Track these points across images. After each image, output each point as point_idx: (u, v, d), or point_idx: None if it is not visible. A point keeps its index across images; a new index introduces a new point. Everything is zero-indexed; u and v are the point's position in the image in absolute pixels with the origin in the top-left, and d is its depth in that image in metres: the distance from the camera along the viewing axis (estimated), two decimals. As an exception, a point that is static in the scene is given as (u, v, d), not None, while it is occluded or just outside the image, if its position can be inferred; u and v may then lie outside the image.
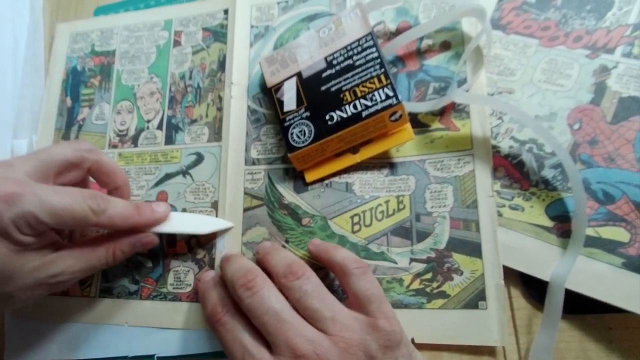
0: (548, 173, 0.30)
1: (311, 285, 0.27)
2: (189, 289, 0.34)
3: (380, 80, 0.31)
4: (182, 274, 0.35)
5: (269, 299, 0.26)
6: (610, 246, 0.29)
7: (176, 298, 0.34)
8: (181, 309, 0.34)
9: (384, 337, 0.25)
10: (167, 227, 0.32)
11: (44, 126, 0.42)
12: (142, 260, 0.36)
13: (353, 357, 0.24)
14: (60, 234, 0.32)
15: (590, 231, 0.29)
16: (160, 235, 0.35)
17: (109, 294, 0.36)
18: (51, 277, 0.28)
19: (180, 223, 0.32)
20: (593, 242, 0.29)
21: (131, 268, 0.36)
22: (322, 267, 0.31)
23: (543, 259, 0.29)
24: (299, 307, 0.26)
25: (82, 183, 0.33)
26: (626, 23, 0.31)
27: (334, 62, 0.33)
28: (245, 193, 0.35)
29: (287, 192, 0.34)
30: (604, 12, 0.32)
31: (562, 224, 0.30)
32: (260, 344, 0.26)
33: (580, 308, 0.29)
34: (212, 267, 0.34)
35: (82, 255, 0.29)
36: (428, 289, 0.30)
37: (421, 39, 0.35)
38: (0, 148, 0.41)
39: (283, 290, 0.27)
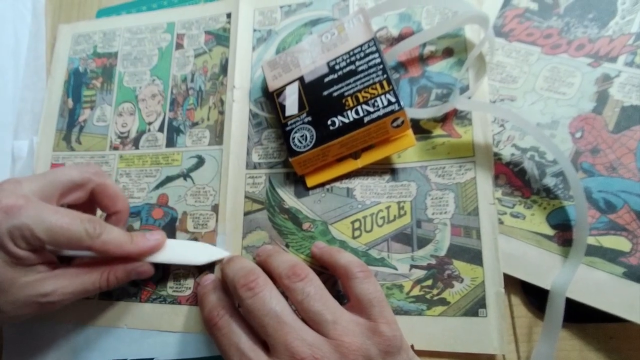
0: (549, 181, 0.30)
1: (314, 287, 0.27)
2: (188, 292, 0.34)
3: (382, 86, 0.31)
4: (182, 277, 0.34)
5: (270, 301, 0.26)
6: (611, 255, 0.28)
7: (176, 301, 0.34)
8: (180, 312, 0.34)
9: (385, 342, 0.25)
10: (161, 257, 0.31)
11: (45, 127, 0.42)
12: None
13: None
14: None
15: (591, 240, 0.29)
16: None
17: (109, 297, 0.35)
18: (42, 296, 0.27)
19: (176, 253, 0.32)
20: (594, 251, 0.29)
21: (131, 271, 0.36)
22: (321, 272, 0.31)
23: (544, 267, 0.29)
24: (300, 309, 0.26)
25: (85, 205, 0.33)
26: (629, 32, 0.31)
27: (337, 67, 0.33)
28: (246, 197, 0.35)
29: (288, 197, 0.34)
30: (606, 21, 0.32)
31: (563, 232, 0.30)
32: (258, 346, 0.26)
33: (581, 317, 0.29)
34: (212, 270, 0.34)
35: (76, 276, 0.29)
36: (428, 296, 0.30)
37: (424, 45, 0.35)
38: (1, 149, 0.41)
39: (285, 291, 0.27)
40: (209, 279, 0.32)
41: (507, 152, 0.31)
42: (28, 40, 0.44)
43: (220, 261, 0.33)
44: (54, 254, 0.30)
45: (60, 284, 0.28)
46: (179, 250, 0.32)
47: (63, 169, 0.31)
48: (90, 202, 0.33)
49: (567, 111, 0.31)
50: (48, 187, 0.29)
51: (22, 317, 0.29)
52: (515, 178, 0.31)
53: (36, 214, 0.26)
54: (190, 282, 0.34)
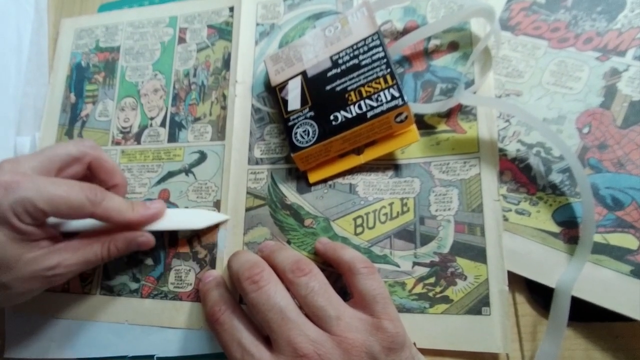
0: (556, 177, 0.30)
1: (318, 282, 0.27)
2: (189, 288, 0.34)
3: (386, 81, 0.30)
4: (184, 273, 0.34)
5: (274, 295, 0.26)
6: (618, 253, 0.28)
7: (177, 297, 0.34)
8: (182, 308, 0.34)
9: (388, 338, 0.25)
10: (162, 225, 0.32)
11: (48, 122, 0.42)
12: (143, 258, 0.35)
13: (356, 359, 0.24)
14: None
15: (598, 237, 0.28)
16: (162, 234, 0.35)
17: (110, 292, 0.35)
18: (48, 270, 0.28)
19: (176, 219, 0.32)
20: (601, 249, 0.28)
21: (132, 266, 0.35)
22: (324, 269, 0.31)
23: (549, 265, 0.29)
24: (304, 304, 0.26)
25: (83, 180, 0.33)
26: (638, 25, 0.30)
27: (340, 61, 0.32)
28: (248, 193, 0.35)
29: (290, 193, 0.34)
30: (615, 14, 0.31)
31: (569, 229, 0.29)
32: (260, 342, 0.26)
33: (587, 316, 0.28)
34: (213, 266, 0.34)
35: (78, 248, 0.29)
36: (431, 294, 0.30)
37: (429, 39, 0.34)
38: (4, 145, 0.40)
39: (289, 286, 0.27)
40: (211, 275, 0.32)
41: (512, 148, 0.31)
42: (31, 36, 0.44)
43: (222, 223, 0.34)
44: (58, 230, 0.30)
45: (64, 256, 0.28)
46: (179, 217, 0.33)
47: (60, 144, 0.31)
48: (88, 177, 0.33)
49: (574, 106, 0.30)
50: (46, 163, 0.30)
51: (30, 292, 0.29)
52: (521, 174, 0.30)
53: (35, 186, 0.26)
54: (191, 278, 0.34)
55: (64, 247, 0.29)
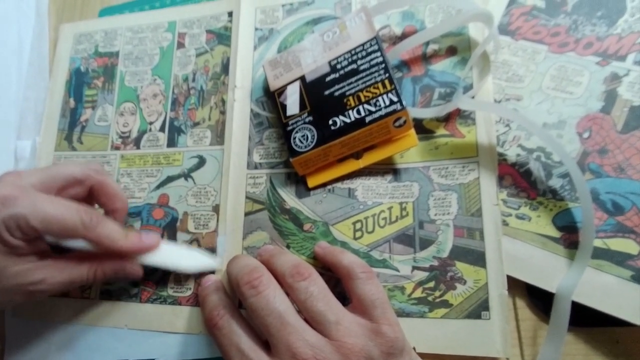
0: (556, 182, 0.30)
1: (317, 287, 0.27)
2: (189, 292, 0.34)
3: (384, 86, 0.30)
4: (183, 277, 0.34)
5: (274, 300, 0.26)
6: (618, 258, 0.28)
7: (176, 302, 0.34)
8: (181, 313, 0.34)
9: (387, 343, 0.25)
10: (153, 259, 0.31)
11: (47, 127, 0.42)
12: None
13: None
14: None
15: (598, 242, 0.28)
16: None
17: (109, 296, 0.35)
18: (31, 284, 0.28)
19: (169, 258, 0.32)
20: (601, 254, 0.28)
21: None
22: (323, 273, 0.31)
23: (550, 270, 0.29)
24: (303, 309, 0.26)
25: (84, 202, 0.33)
26: (638, 30, 0.30)
27: (338, 66, 0.32)
28: (247, 197, 0.35)
29: (289, 197, 0.34)
30: (615, 19, 0.31)
31: (569, 234, 0.29)
32: (259, 347, 0.26)
33: (587, 321, 0.28)
34: (212, 270, 0.34)
35: (65, 267, 0.29)
36: (430, 298, 0.30)
37: (427, 43, 0.34)
38: (4, 149, 0.41)
39: (288, 290, 0.27)
40: (210, 279, 0.32)
41: (512, 153, 0.31)
42: (31, 40, 0.44)
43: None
44: (51, 245, 0.30)
45: (49, 273, 0.28)
46: (172, 256, 0.32)
47: (64, 164, 0.32)
48: (89, 199, 0.33)
49: (574, 111, 0.30)
50: (47, 180, 0.30)
51: (9, 303, 0.30)
52: (521, 179, 0.30)
53: (31, 203, 0.27)
54: (190, 283, 0.34)
55: (51, 264, 0.29)
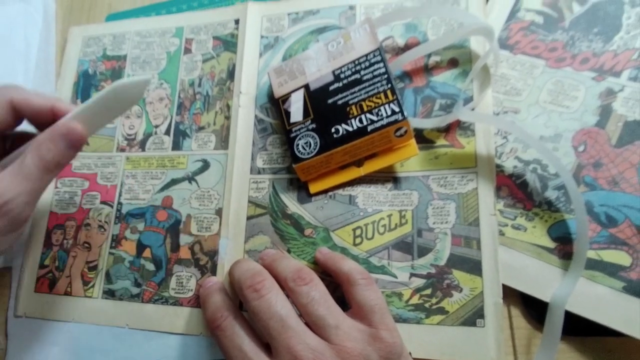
0: (551, 194, 0.30)
1: (318, 292, 0.27)
2: (190, 294, 0.34)
3: (386, 96, 0.31)
4: (185, 279, 0.35)
5: (275, 304, 0.27)
6: (611, 269, 0.29)
7: (177, 303, 0.34)
8: (182, 313, 0.34)
9: (385, 348, 0.26)
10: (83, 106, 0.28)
11: (54, 128, 0.42)
12: (145, 263, 0.36)
13: None
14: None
15: (591, 254, 0.29)
16: (164, 241, 0.36)
17: (112, 296, 0.36)
18: None
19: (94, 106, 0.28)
20: (594, 265, 0.29)
21: (134, 271, 0.36)
22: (324, 278, 0.32)
23: (544, 279, 0.29)
24: (304, 313, 0.27)
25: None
26: (634, 47, 0.31)
27: (342, 75, 0.33)
28: (250, 201, 0.35)
29: (291, 202, 0.35)
30: (611, 35, 0.32)
31: (564, 245, 0.30)
32: (260, 349, 0.27)
33: (580, 330, 0.29)
34: (214, 273, 0.34)
35: (13, 170, 0.27)
36: (427, 305, 0.31)
37: (429, 55, 0.35)
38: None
39: (290, 294, 0.28)
40: (211, 280, 0.32)
41: (509, 164, 0.32)
42: (38, 43, 0.45)
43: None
44: None
45: (4, 183, 0.26)
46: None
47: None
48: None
49: (570, 124, 0.31)
50: None
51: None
52: (518, 190, 0.31)
53: None
54: (192, 284, 0.35)
55: (1, 175, 0.27)
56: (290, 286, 0.28)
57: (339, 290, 0.32)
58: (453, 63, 0.34)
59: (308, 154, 0.33)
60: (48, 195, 0.40)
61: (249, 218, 0.35)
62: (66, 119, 0.28)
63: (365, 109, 0.32)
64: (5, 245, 0.29)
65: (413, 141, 0.32)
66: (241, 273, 0.29)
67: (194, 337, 0.33)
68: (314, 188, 0.34)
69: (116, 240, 0.37)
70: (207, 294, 0.31)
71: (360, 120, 0.32)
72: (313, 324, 0.27)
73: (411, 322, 0.30)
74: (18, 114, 0.29)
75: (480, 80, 0.33)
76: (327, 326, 0.26)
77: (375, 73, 0.32)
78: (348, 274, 0.28)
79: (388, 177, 0.33)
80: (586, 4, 0.33)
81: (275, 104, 0.36)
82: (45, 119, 0.29)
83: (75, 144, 0.28)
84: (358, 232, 0.33)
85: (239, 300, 0.32)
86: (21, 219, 0.28)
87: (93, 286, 0.37)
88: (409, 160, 0.33)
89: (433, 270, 0.31)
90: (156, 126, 0.40)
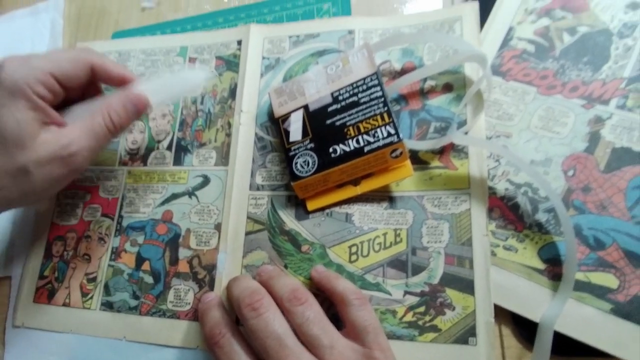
0: (542, 217, 0.31)
1: (313, 312, 0.28)
2: (188, 307, 0.35)
3: (383, 118, 0.32)
4: (183, 292, 0.35)
5: (273, 323, 0.27)
6: (599, 291, 0.29)
7: (175, 316, 0.35)
8: (179, 327, 0.35)
9: None
10: (159, 93, 0.34)
11: (58, 141, 0.43)
12: (144, 276, 0.37)
13: None
14: None
15: (580, 275, 0.30)
16: (163, 255, 0.36)
17: (110, 308, 0.36)
18: (64, 149, 0.29)
19: (163, 86, 0.35)
20: (583, 287, 0.30)
21: (133, 283, 0.37)
22: (317, 294, 0.32)
23: (534, 300, 0.30)
24: (299, 332, 0.27)
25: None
26: (621, 76, 0.32)
27: (340, 97, 0.34)
28: (248, 217, 0.36)
29: (289, 219, 0.35)
30: (600, 65, 0.33)
31: (553, 267, 0.30)
32: None
33: (569, 350, 0.29)
34: (212, 287, 0.35)
35: (83, 125, 0.31)
36: (420, 322, 0.31)
37: (425, 79, 0.36)
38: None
39: (286, 313, 0.28)
40: (210, 296, 0.33)
41: (501, 187, 0.33)
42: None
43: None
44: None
45: (74, 134, 0.30)
46: (166, 84, 0.35)
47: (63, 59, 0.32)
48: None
49: (560, 150, 0.32)
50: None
51: (52, 182, 0.30)
52: (509, 212, 0.32)
53: (44, 57, 0.30)
54: (190, 298, 0.35)
55: (70, 128, 0.31)
56: (286, 306, 0.28)
57: (334, 307, 0.32)
58: (448, 88, 0.36)
59: (306, 172, 0.34)
60: (49, 206, 0.41)
61: (247, 233, 0.36)
62: (137, 89, 0.33)
63: (362, 130, 0.33)
64: (51, 193, 0.32)
65: (408, 162, 0.33)
66: (240, 291, 0.29)
67: (191, 350, 0.34)
68: (311, 205, 0.35)
69: (116, 253, 0.38)
70: (206, 309, 0.31)
71: (358, 141, 0.33)
72: (308, 344, 0.27)
73: (405, 339, 0.31)
74: (95, 76, 0.33)
75: (473, 104, 0.34)
76: (322, 346, 0.26)
77: (373, 96, 0.33)
78: (342, 294, 0.29)
79: (384, 196, 0.34)
80: (576, 35, 0.34)
81: (275, 123, 0.37)
82: (115, 84, 0.34)
83: (142, 112, 0.33)
84: (354, 249, 0.34)
85: (235, 315, 0.33)
86: (78, 171, 0.31)
87: (92, 298, 0.37)
88: (404, 180, 0.34)
89: (427, 289, 0.32)
90: (158, 141, 0.41)
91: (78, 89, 0.33)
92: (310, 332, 0.27)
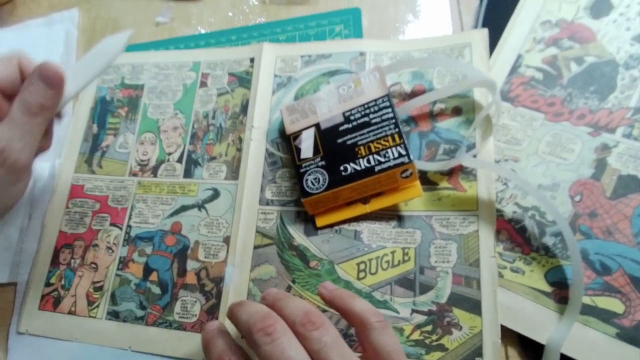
0: (549, 240, 0.32)
1: (330, 337, 0.26)
2: (194, 319, 0.35)
3: (394, 139, 0.33)
4: (189, 304, 0.36)
5: (289, 349, 0.25)
6: (605, 316, 0.30)
7: (181, 327, 0.35)
8: (185, 338, 0.35)
9: None
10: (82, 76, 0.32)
11: (69, 149, 0.44)
12: (151, 287, 0.37)
13: None
14: None
15: (586, 299, 0.30)
16: (172, 264, 0.37)
17: (116, 317, 0.36)
18: None
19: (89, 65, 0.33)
20: (589, 311, 0.30)
21: (140, 293, 0.37)
22: (325, 310, 0.32)
23: (541, 322, 0.30)
24: (317, 359, 0.25)
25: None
26: (627, 106, 0.33)
27: (352, 117, 0.35)
28: (257, 231, 0.36)
29: (298, 234, 0.36)
30: (606, 94, 0.34)
31: (560, 290, 0.31)
32: None
33: (574, 373, 0.30)
34: (218, 299, 0.35)
35: (4, 120, 0.29)
36: (427, 341, 0.31)
37: (434, 102, 0.37)
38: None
39: (300, 339, 0.26)
40: (213, 324, 0.30)
41: (509, 210, 0.33)
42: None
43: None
44: None
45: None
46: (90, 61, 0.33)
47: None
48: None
49: (567, 175, 0.33)
50: None
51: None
52: (516, 235, 0.33)
53: None
54: (196, 310, 0.35)
55: None
56: (300, 331, 0.26)
57: (342, 322, 0.32)
58: (457, 111, 0.36)
59: (317, 189, 0.34)
60: (58, 214, 0.41)
61: (255, 247, 0.36)
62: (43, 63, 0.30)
63: (373, 150, 0.33)
64: (10, 200, 0.31)
65: (418, 182, 0.34)
66: (248, 315, 0.27)
67: (197, 363, 0.34)
68: (320, 222, 0.35)
69: (123, 262, 0.38)
70: (210, 337, 0.29)
71: (368, 161, 0.33)
72: None
73: (412, 357, 0.31)
74: (23, 72, 0.32)
75: (482, 128, 0.35)
76: None
77: (384, 117, 0.34)
78: (362, 317, 0.27)
79: (393, 215, 0.35)
80: (583, 64, 0.35)
81: (286, 140, 0.38)
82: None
83: (52, 82, 0.30)
84: (362, 266, 0.34)
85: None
86: (18, 166, 0.29)
87: (98, 307, 0.37)
88: (413, 200, 0.35)
89: (434, 308, 0.32)
90: (169, 154, 0.41)
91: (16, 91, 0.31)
92: (329, 359, 0.25)
